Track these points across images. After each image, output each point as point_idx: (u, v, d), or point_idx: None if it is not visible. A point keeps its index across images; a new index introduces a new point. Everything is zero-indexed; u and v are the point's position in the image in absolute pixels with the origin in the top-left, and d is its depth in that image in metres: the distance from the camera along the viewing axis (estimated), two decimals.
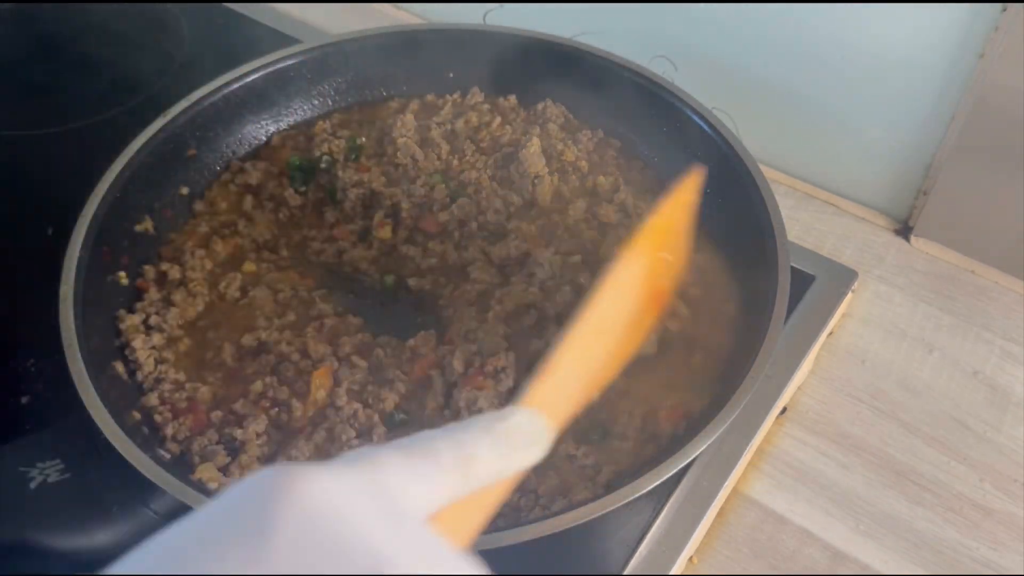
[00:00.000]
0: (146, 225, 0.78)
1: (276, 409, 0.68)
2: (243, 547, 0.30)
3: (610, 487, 0.60)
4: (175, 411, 0.68)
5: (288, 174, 0.85)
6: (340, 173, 0.83)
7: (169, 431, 0.66)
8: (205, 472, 0.63)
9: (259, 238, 0.81)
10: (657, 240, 0.57)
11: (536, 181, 0.82)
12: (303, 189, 0.84)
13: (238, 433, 0.66)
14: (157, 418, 0.67)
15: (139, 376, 0.70)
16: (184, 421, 0.67)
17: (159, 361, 0.71)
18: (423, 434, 0.38)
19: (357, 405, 0.68)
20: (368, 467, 0.35)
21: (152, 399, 0.68)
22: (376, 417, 0.68)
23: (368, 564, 0.31)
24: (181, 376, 0.70)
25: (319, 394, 0.69)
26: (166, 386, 0.69)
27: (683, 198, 0.61)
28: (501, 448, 0.40)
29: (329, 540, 0.31)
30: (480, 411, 0.68)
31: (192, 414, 0.67)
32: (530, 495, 0.63)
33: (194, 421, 0.67)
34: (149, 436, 0.66)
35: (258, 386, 0.69)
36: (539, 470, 0.65)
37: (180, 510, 0.58)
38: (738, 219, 0.75)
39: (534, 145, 0.82)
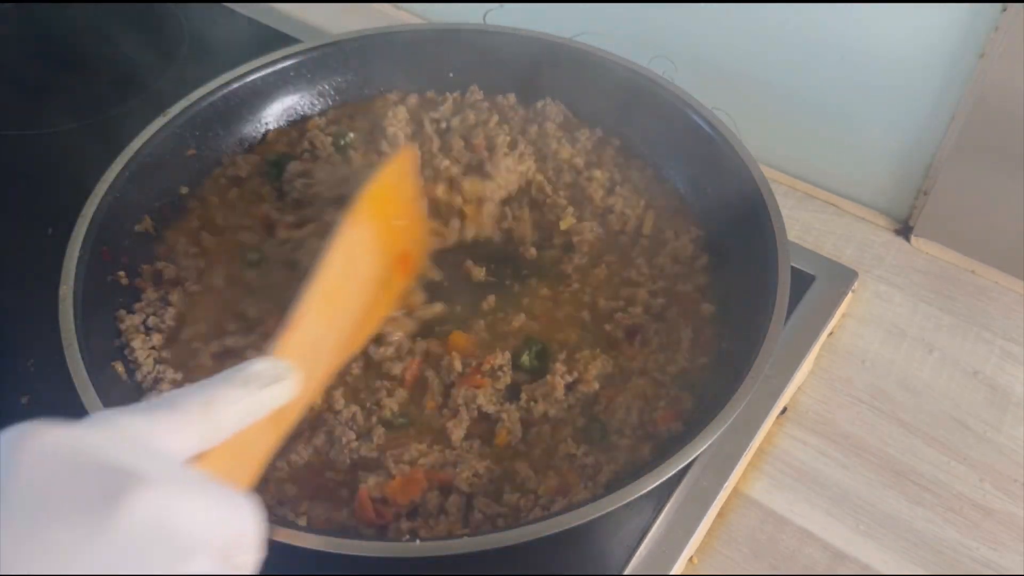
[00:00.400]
0: (146, 225, 0.78)
1: None
2: None
3: (610, 487, 0.60)
4: None
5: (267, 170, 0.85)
6: (289, 166, 0.83)
7: None
8: None
9: (243, 234, 0.80)
10: (380, 207, 0.62)
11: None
12: (277, 184, 0.84)
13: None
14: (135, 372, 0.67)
15: (138, 376, 0.70)
16: None
17: (158, 361, 0.71)
18: (170, 393, 0.43)
19: (355, 407, 0.68)
20: (111, 424, 0.37)
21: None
22: (375, 419, 0.68)
23: (115, 481, 0.32)
24: (180, 376, 0.70)
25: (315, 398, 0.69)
26: (164, 386, 0.69)
27: (398, 169, 0.66)
28: (240, 390, 0.44)
29: (71, 469, 0.33)
30: (479, 408, 0.68)
31: None
32: (530, 495, 0.63)
33: None
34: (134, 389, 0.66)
35: None
36: (539, 470, 0.65)
37: None
38: (738, 219, 0.75)
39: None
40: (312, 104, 0.90)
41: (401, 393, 0.70)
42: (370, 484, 0.63)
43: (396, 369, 0.70)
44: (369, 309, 0.59)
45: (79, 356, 0.63)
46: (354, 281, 0.58)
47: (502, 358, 0.70)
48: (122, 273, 0.75)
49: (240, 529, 0.38)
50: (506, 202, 0.82)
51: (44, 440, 0.34)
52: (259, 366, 0.47)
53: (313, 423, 0.68)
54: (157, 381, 0.69)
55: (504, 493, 0.63)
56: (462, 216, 0.81)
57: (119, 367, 0.69)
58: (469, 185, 0.81)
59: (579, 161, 0.85)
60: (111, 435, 0.36)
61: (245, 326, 0.73)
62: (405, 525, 0.62)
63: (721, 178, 0.78)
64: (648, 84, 0.83)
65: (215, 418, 0.42)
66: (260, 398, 0.45)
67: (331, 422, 0.67)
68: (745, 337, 0.67)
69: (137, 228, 0.78)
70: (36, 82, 1.02)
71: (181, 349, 0.72)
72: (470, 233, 0.81)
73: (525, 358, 0.71)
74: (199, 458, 0.41)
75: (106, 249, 0.73)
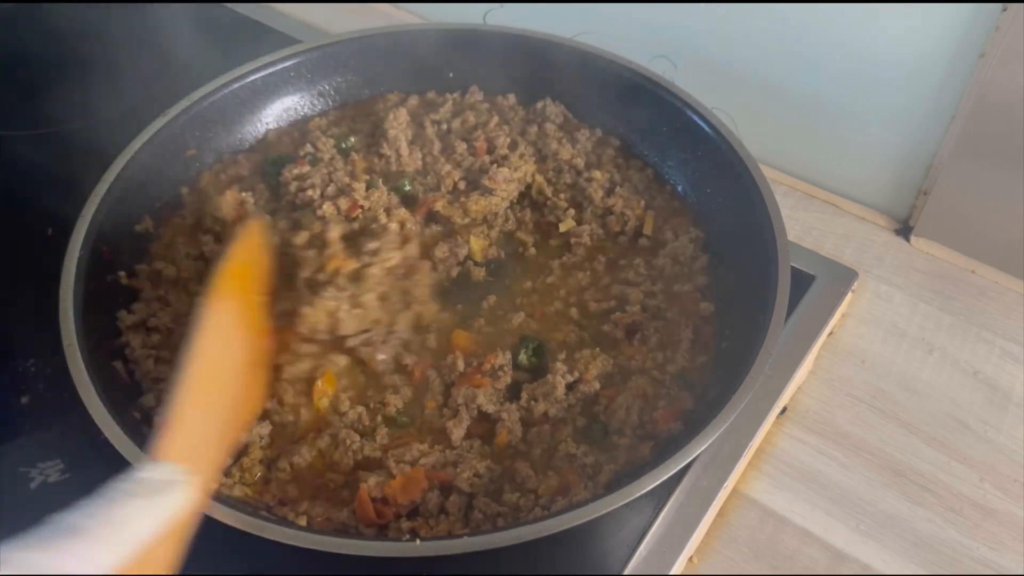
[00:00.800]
0: (146, 225, 0.78)
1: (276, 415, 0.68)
2: None
3: (610, 487, 0.60)
4: None
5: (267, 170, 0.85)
6: (284, 170, 0.83)
7: None
8: None
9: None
10: (241, 282, 0.62)
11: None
12: (275, 183, 0.84)
13: (241, 436, 0.66)
14: (157, 418, 0.67)
15: (138, 375, 0.70)
16: None
17: (158, 360, 0.71)
18: (58, 520, 0.40)
19: (361, 408, 0.68)
20: (18, 566, 0.36)
21: (150, 399, 0.68)
22: (379, 419, 0.68)
23: None
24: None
25: (321, 402, 0.69)
26: (164, 386, 0.69)
27: (249, 241, 0.66)
28: (141, 501, 0.43)
29: None
30: (479, 408, 0.68)
31: None
32: (530, 495, 0.63)
33: None
34: (149, 436, 0.66)
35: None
36: (539, 470, 0.65)
37: None
38: (738, 219, 0.75)
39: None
40: (312, 104, 0.90)
41: (406, 391, 0.70)
42: (371, 484, 0.63)
43: (409, 361, 0.71)
44: (246, 388, 0.58)
45: (79, 356, 0.63)
46: (226, 363, 0.57)
47: (503, 358, 0.70)
48: (122, 273, 0.75)
49: None
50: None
51: None
52: (153, 473, 0.46)
53: (318, 425, 0.68)
54: (157, 380, 0.69)
55: (504, 493, 0.63)
56: (462, 236, 0.81)
57: (119, 367, 0.69)
58: (473, 204, 0.81)
59: (579, 161, 0.85)
60: None
61: None
62: (405, 525, 0.62)
63: (721, 178, 0.78)
64: (648, 84, 0.83)
65: (121, 538, 0.41)
66: (161, 506, 0.44)
67: (336, 424, 0.68)
68: (745, 337, 0.67)
69: (137, 228, 0.78)
70: (36, 82, 1.02)
71: (181, 349, 0.72)
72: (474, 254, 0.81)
73: (523, 356, 0.71)
74: None
75: (106, 249, 0.73)
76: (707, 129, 0.79)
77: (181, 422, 0.52)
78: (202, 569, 0.56)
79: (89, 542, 0.39)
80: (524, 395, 0.69)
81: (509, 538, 0.55)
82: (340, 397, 0.69)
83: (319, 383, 0.69)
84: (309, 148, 0.85)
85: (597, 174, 0.84)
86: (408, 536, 0.61)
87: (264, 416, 0.68)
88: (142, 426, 0.66)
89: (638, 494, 0.56)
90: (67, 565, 0.38)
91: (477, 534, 0.57)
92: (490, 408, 0.68)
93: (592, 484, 0.63)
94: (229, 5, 1.12)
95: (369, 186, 0.81)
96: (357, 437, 0.66)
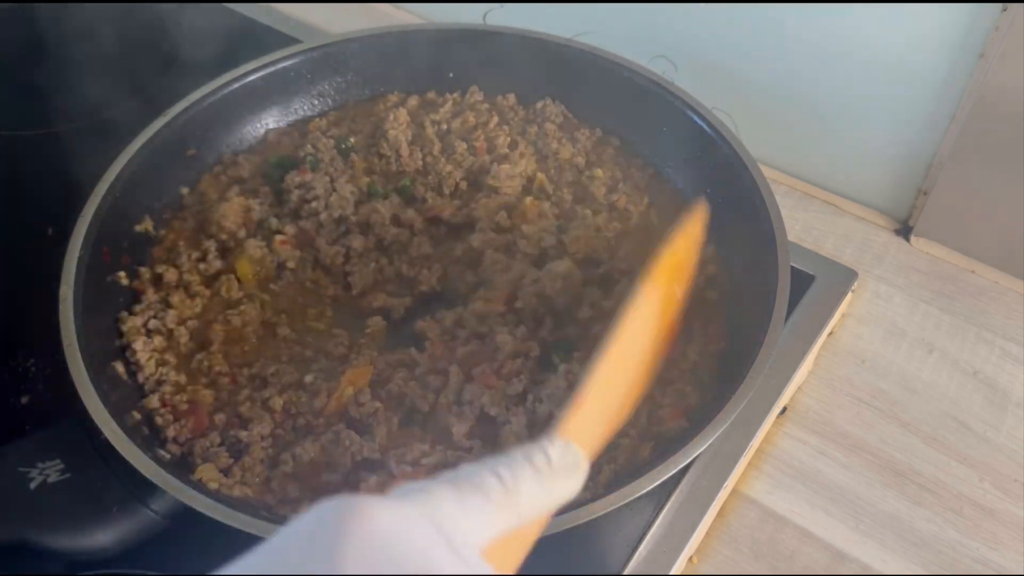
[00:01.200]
0: (146, 225, 0.78)
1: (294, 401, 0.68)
2: (318, 571, 0.31)
3: (610, 487, 0.60)
4: (176, 413, 0.68)
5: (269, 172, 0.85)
6: (287, 176, 0.83)
7: (171, 433, 0.66)
8: (205, 472, 0.63)
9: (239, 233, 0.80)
10: (671, 273, 0.58)
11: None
12: (278, 187, 0.84)
13: (243, 435, 0.66)
14: (158, 420, 0.67)
15: (140, 377, 0.70)
16: (186, 423, 0.67)
17: (160, 363, 0.71)
18: (469, 468, 0.39)
19: (378, 404, 0.68)
20: (423, 499, 0.36)
21: (153, 401, 0.68)
22: (395, 418, 0.68)
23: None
24: (183, 378, 0.70)
25: (347, 391, 0.68)
26: (167, 388, 0.69)
27: (692, 231, 0.63)
28: (543, 482, 0.40)
29: (395, 563, 0.32)
30: (481, 408, 0.68)
31: (193, 416, 0.67)
32: None
33: (195, 423, 0.67)
34: (149, 436, 0.66)
35: (283, 373, 0.69)
36: None
37: (180, 510, 0.58)
38: (738, 219, 0.75)
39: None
40: (312, 105, 0.90)
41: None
42: (371, 483, 0.63)
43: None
44: (637, 380, 0.54)
45: (79, 356, 0.63)
46: (636, 352, 0.54)
47: (521, 365, 0.70)
48: (122, 274, 0.75)
49: None
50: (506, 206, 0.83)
51: (370, 519, 0.33)
52: (556, 451, 0.42)
53: (329, 420, 0.68)
54: (160, 383, 0.69)
55: None
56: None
57: (119, 367, 0.69)
58: (482, 210, 0.81)
59: (580, 160, 0.85)
60: (425, 518, 0.35)
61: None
62: None
63: (721, 178, 0.78)
64: (648, 84, 0.83)
65: (516, 507, 0.39)
66: (556, 487, 0.41)
67: (353, 412, 0.68)
68: (745, 337, 0.67)
69: (137, 228, 0.78)
70: (36, 82, 1.02)
71: (183, 351, 0.72)
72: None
73: (556, 358, 0.70)
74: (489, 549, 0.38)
75: (106, 249, 0.73)
76: (707, 129, 0.79)
77: (589, 404, 0.48)
78: (204, 569, 0.56)
79: (486, 501, 0.38)
80: (530, 397, 0.68)
81: None
82: (364, 390, 0.69)
83: (352, 372, 0.69)
84: (310, 148, 0.85)
85: (599, 172, 0.84)
86: None
87: (264, 414, 0.68)
88: (142, 427, 0.66)
89: (638, 494, 0.56)
90: (465, 515, 0.37)
91: None
92: (493, 411, 0.67)
93: (592, 484, 0.63)
94: (229, 5, 1.12)
95: (371, 192, 0.81)
96: (357, 437, 0.66)
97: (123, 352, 0.71)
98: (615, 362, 0.51)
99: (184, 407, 0.68)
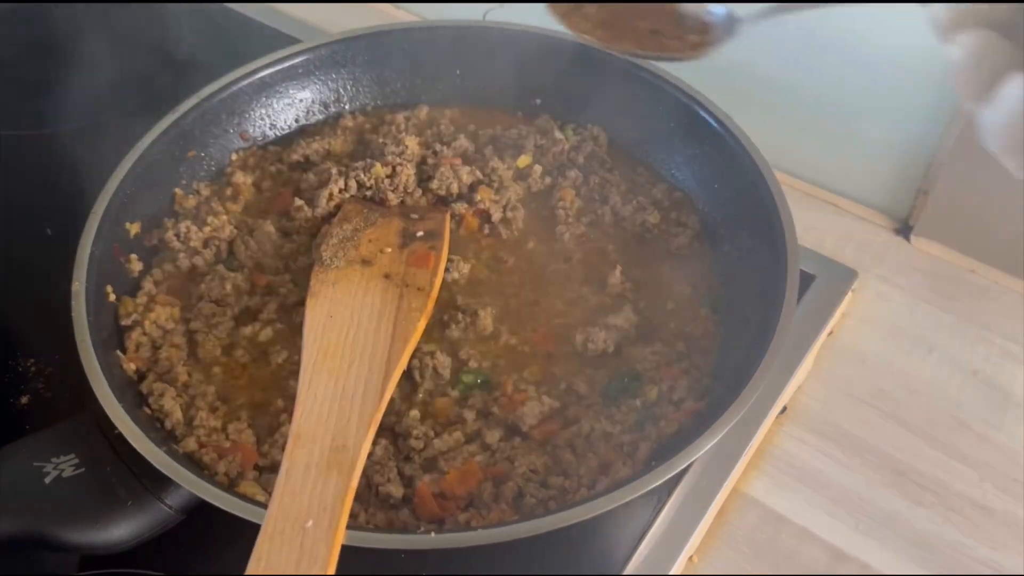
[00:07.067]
0: (149, 224, 0.78)
1: None
2: None
3: (610, 487, 0.60)
4: (220, 451, 0.66)
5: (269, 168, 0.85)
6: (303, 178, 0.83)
7: (221, 468, 0.64)
8: (249, 488, 0.62)
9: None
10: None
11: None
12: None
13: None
14: (204, 458, 0.65)
15: (167, 424, 0.68)
16: (234, 459, 0.65)
17: (168, 359, 0.71)
18: None
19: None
20: None
21: (190, 444, 0.66)
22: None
23: None
24: (217, 423, 0.68)
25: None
26: (201, 432, 0.67)
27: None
28: None
29: None
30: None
31: (240, 452, 0.65)
32: (573, 478, 0.63)
33: (244, 458, 0.65)
34: (162, 431, 0.66)
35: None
36: (579, 453, 0.65)
37: (193, 503, 0.58)
38: (742, 218, 0.75)
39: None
40: (313, 105, 0.90)
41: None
42: (427, 480, 0.63)
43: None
44: (397, 326, 0.56)
45: (92, 351, 0.63)
46: (351, 325, 0.56)
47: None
48: (131, 267, 0.75)
49: None
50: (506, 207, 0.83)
51: None
52: None
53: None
54: (192, 427, 0.68)
55: (551, 476, 0.63)
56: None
57: (129, 363, 0.69)
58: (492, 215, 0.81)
59: (581, 160, 0.85)
60: None
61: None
62: (462, 517, 0.62)
63: (723, 178, 0.78)
64: (653, 79, 0.83)
65: None
66: None
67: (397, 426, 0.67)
68: (750, 338, 0.67)
69: (141, 227, 0.78)
70: (36, 82, 1.02)
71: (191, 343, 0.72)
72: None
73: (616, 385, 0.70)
74: None
75: (117, 245, 0.73)
76: (715, 125, 0.79)
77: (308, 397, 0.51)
78: (220, 564, 0.56)
79: None
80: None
81: (508, 534, 0.54)
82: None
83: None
84: (311, 148, 0.85)
85: (599, 171, 0.84)
86: (422, 529, 0.60)
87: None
88: (154, 422, 0.66)
89: (638, 494, 0.56)
90: None
91: (477, 530, 0.57)
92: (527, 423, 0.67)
93: (631, 461, 0.63)
94: (229, 5, 1.12)
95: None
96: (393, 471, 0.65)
97: (136, 349, 0.71)
98: (324, 347, 0.52)
99: (227, 445, 0.66)
